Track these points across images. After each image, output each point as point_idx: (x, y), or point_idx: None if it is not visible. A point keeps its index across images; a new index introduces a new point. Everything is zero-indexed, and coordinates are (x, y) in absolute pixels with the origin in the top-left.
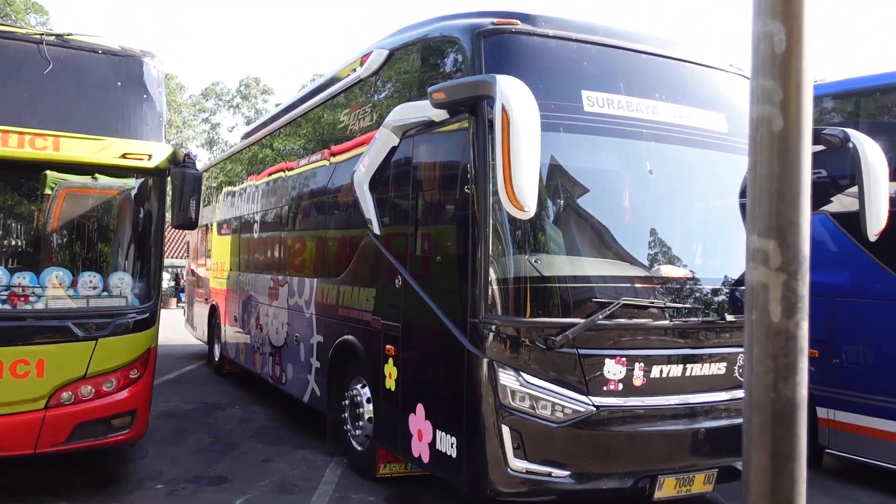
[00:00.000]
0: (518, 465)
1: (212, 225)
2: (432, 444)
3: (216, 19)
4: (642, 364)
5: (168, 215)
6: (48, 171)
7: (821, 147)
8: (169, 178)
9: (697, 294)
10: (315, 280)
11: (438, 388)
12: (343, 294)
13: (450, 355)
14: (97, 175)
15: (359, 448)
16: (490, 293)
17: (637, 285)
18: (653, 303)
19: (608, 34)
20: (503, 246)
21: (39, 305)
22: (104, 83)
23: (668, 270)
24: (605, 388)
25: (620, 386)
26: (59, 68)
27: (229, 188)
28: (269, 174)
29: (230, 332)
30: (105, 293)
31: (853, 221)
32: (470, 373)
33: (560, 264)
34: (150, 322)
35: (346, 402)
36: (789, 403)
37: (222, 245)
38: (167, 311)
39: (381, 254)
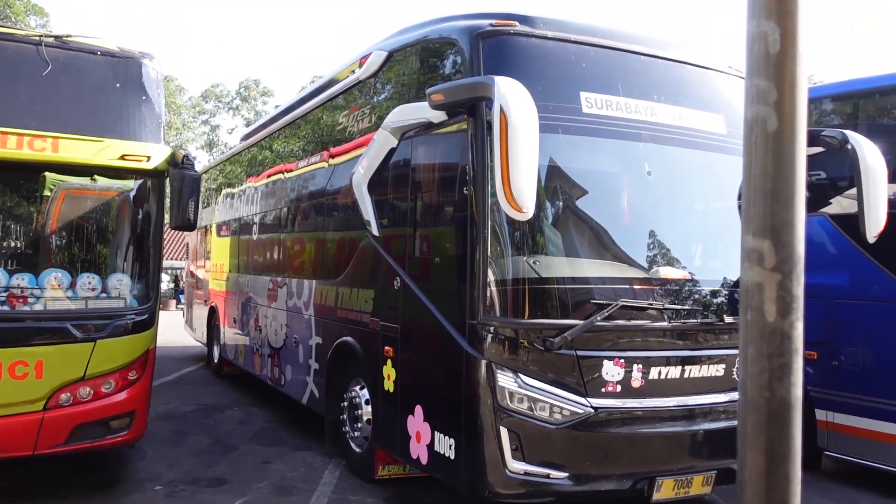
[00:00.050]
0: (516, 466)
1: (211, 226)
2: (431, 446)
3: (216, 21)
4: (641, 366)
5: (167, 217)
6: (47, 173)
7: (820, 149)
8: (168, 180)
9: (696, 296)
10: (314, 282)
11: (437, 390)
12: (342, 295)
13: (448, 357)
14: (96, 176)
15: (357, 450)
16: (488, 295)
17: (635, 287)
18: (651, 304)
19: (607, 36)
20: (501, 247)
21: (38, 307)
22: (103, 85)
23: (666, 272)
24: (603, 390)
25: (619, 387)
26: (57, 70)
27: (228, 190)
28: (269, 176)
29: (229, 334)
30: (104, 294)
31: (852, 223)
32: (468, 374)
33: (558, 266)
34: (149, 323)
35: (345, 403)
36: (784, 403)
37: (221, 247)
38: (167, 312)
39: (379, 255)
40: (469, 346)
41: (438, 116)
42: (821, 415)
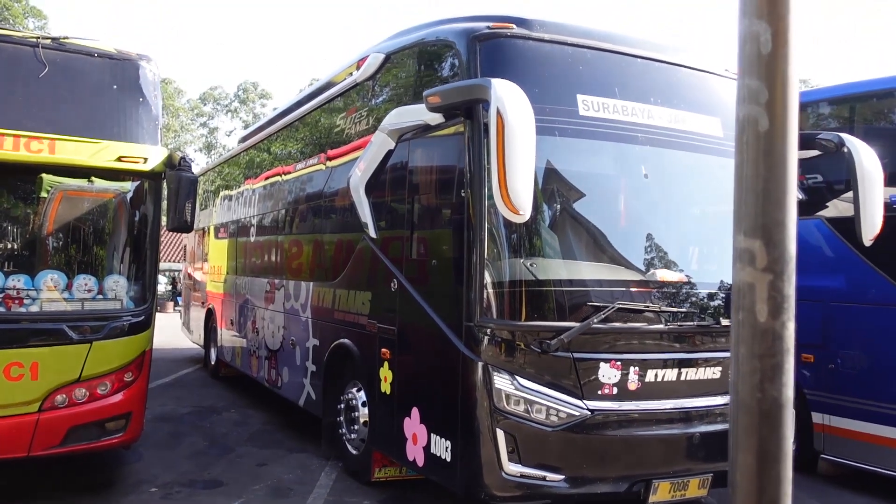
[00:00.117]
0: (512, 468)
1: (209, 229)
2: (427, 448)
3: (214, 24)
4: (637, 368)
5: (164, 218)
6: (44, 174)
7: (816, 152)
8: (164, 182)
9: (692, 298)
10: (311, 284)
11: (433, 392)
12: (339, 298)
13: (445, 359)
14: (93, 178)
15: (354, 452)
16: (485, 297)
17: (632, 289)
18: (648, 307)
19: (603, 38)
20: (498, 249)
21: (34, 308)
22: (100, 86)
23: (663, 274)
24: (599, 392)
25: (615, 390)
26: (55, 71)
27: (226, 192)
28: (266, 178)
29: (226, 336)
30: (100, 296)
31: (848, 226)
32: (465, 376)
33: (555, 268)
34: (145, 325)
35: (342, 405)
36: (775, 404)
37: (219, 249)
38: (164, 314)
39: (377, 257)
40: (466, 349)
41: (435, 119)
42: (817, 418)
